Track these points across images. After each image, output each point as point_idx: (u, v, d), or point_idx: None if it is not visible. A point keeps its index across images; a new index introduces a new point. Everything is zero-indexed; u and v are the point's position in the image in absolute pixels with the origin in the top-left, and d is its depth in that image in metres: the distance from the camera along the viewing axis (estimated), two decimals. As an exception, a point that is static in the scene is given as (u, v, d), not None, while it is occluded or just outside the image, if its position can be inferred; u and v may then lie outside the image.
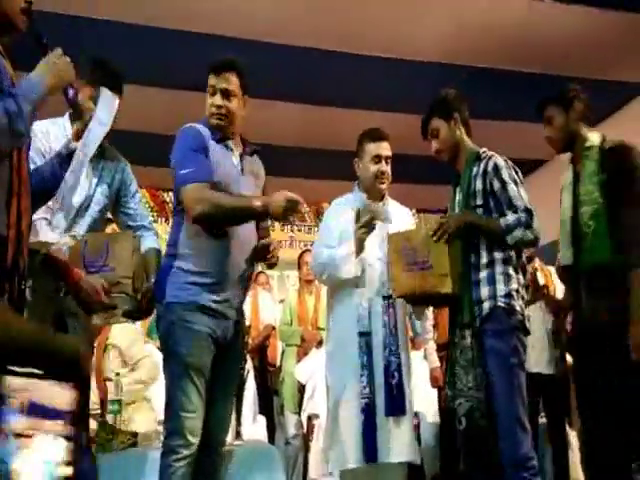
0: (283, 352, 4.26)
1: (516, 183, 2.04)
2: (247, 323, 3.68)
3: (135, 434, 2.19)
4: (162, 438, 1.90)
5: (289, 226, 6.52)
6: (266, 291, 4.82)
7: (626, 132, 4.33)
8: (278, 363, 4.36)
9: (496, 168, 2.06)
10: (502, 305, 1.98)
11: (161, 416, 2.04)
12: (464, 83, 4.09)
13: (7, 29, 1.39)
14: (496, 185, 2.05)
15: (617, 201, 1.99)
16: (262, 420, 3.47)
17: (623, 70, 4.06)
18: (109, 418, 2.13)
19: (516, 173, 2.08)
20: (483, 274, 2.02)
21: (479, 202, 2.07)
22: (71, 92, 1.53)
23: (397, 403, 2.26)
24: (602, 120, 4.62)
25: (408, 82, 4.06)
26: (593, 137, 2.12)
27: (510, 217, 2.00)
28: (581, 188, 2.08)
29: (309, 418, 3.61)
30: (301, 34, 3.61)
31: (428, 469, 3.22)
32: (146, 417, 2.33)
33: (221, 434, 1.97)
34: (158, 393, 2.38)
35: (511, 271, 2.03)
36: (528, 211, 2.00)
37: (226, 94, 1.98)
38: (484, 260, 2.03)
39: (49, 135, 1.95)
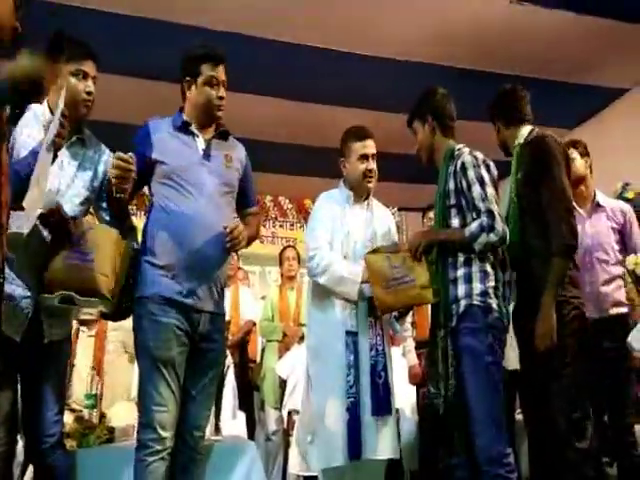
0: (264, 348, 4.26)
1: (482, 183, 2.02)
2: (227, 319, 3.68)
3: (112, 429, 2.17)
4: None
5: (271, 222, 6.51)
6: (247, 287, 4.81)
7: (604, 136, 4.45)
8: (258, 359, 4.36)
9: (463, 167, 2.06)
10: (477, 303, 1.98)
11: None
12: (448, 84, 4.12)
13: None
14: (464, 184, 2.05)
15: (532, 196, 2.12)
16: (242, 416, 3.46)
17: (602, 74, 4.12)
18: (85, 413, 2.11)
19: (487, 169, 2.06)
20: (460, 272, 2.03)
21: (452, 202, 2.08)
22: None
23: (383, 403, 2.27)
24: (581, 123, 4.71)
25: (393, 81, 4.07)
26: (520, 135, 2.26)
27: (473, 225, 2.00)
28: (508, 188, 2.26)
29: (289, 414, 3.61)
30: (287, 30, 3.60)
31: (407, 464, 3.24)
32: (125, 412, 2.31)
33: (198, 429, 1.96)
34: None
35: (488, 268, 2.03)
36: (489, 213, 1.98)
37: (225, 86, 2.02)
38: (461, 258, 2.04)
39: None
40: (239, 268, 4.88)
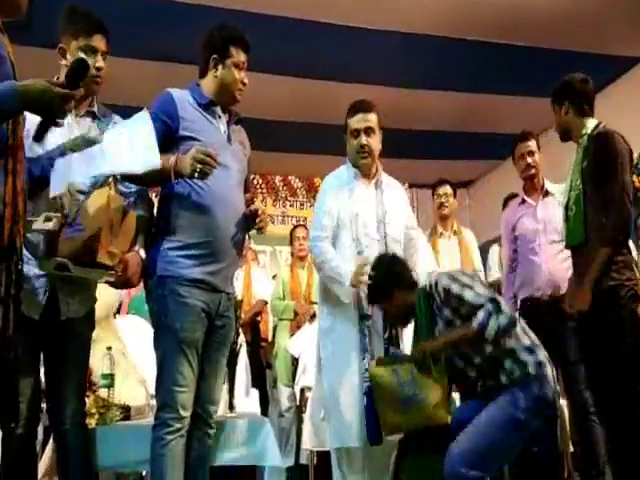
0: (275, 327, 4.29)
1: (469, 287, 2.01)
2: (239, 298, 3.70)
3: (128, 408, 2.21)
4: (154, 411, 1.92)
5: (281, 202, 6.50)
6: (259, 266, 4.83)
7: (618, 106, 4.35)
8: (270, 338, 4.40)
9: (446, 291, 2.03)
10: (534, 373, 1.95)
11: (152, 391, 2.06)
12: (459, 56, 4.06)
13: (11, 10, 1.41)
14: (455, 303, 2.01)
15: (595, 187, 2.21)
16: (255, 393, 3.51)
17: (616, 43, 4.03)
18: (102, 392, 2.15)
19: (462, 276, 2.07)
20: (507, 364, 1.99)
21: (458, 323, 2.03)
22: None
23: None
24: (596, 92, 4.61)
25: (401, 55, 4.01)
26: (589, 124, 2.33)
27: (478, 315, 1.95)
28: (572, 174, 2.34)
29: (302, 391, 3.65)
30: (294, 5, 3.54)
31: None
32: (137, 391, 2.35)
33: (212, 403, 1.99)
34: (147, 369, 2.39)
35: (527, 342, 2.01)
36: (491, 300, 1.98)
37: (245, 70, 2.02)
38: (477, 360, 2.01)
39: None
40: (249, 248, 4.90)
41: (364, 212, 2.40)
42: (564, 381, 2.72)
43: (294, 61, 4.08)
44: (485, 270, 3.62)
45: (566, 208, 2.36)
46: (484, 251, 3.77)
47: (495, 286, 3.44)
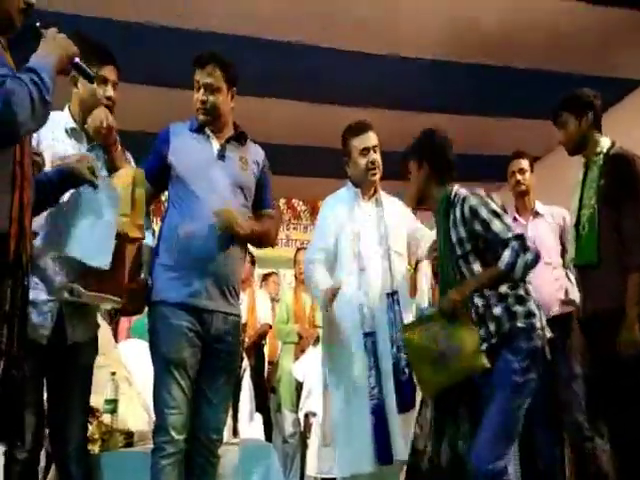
0: (280, 350, 4.26)
1: (498, 216, 1.99)
2: (243, 321, 3.68)
3: (131, 433, 2.18)
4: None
5: (285, 225, 6.52)
6: (271, 292, 4.84)
7: (620, 128, 4.37)
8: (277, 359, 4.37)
9: (472, 210, 2.00)
10: (522, 325, 1.94)
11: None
12: (461, 80, 4.11)
13: (6, 27, 1.41)
14: (478, 227, 1.99)
15: (611, 207, 2.14)
16: (259, 418, 3.47)
17: (617, 66, 4.07)
18: (105, 418, 2.13)
19: (492, 200, 2.04)
20: (497, 309, 1.97)
21: (468, 248, 2.01)
22: (77, 60, 1.53)
23: (407, 399, 2.25)
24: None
25: (403, 79, 4.06)
26: (604, 142, 2.27)
27: (505, 255, 1.93)
28: (585, 192, 2.26)
29: (306, 416, 3.61)
30: (300, 32, 3.60)
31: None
32: (140, 416, 2.33)
33: (215, 431, 1.95)
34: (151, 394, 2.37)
35: (522, 293, 1.99)
36: (518, 237, 1.96)
37: (210, 89, 2.00)
38: (492, 295, 1.98)
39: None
40: (273, 272, 4.93)
41: (365, 228, 2.42)
42: (557, 405, 2.68)
43: (298, 85, 4.13)
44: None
45: (577, 226, 2.29)
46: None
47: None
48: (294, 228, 6.53)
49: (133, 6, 3.25)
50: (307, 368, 3.65)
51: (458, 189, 2.12)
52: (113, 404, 2.16)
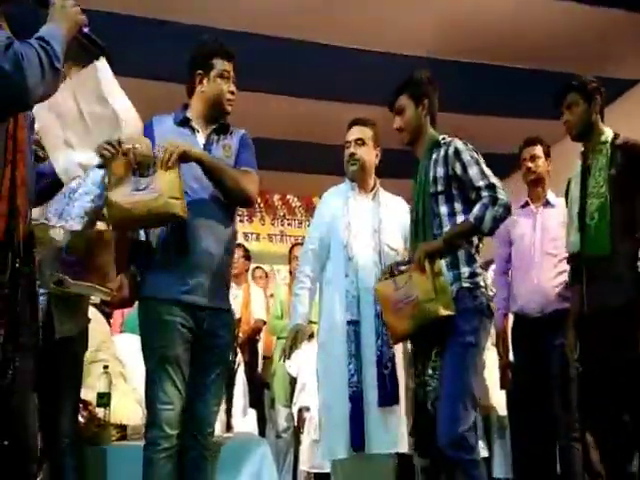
0: (275, 346, 4.27)
1: (477, 163, 2.00)
2: (237, 316, 3.67)
3: (124, 427, 2.18)
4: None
5: (279, 220, 6.52)
6: (258, 286, 4.83)
7: (617, 127, 4.38)
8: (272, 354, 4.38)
9: (457, 151, 2.02)
10: (467, 285, 1.96)
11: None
12: (458, 78, 4.11)
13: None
14: (458, 169, 2.00)
15: (623, 197, 2.09)
16: (253, 413, 3.48)
17: (614, 66, 4.08)
18: (98, 411, 2.13)
19: (476, 154, 2.04)
20: (444, 260, 1.99)
21: (440, 188, 2.02)
22: (86, 30, 1.50)
23: (390, 394, 2.26)
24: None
25: (402, 76, 4.06)
26: (608, 132, 2.22)
27: (475, 208, 1.94)
28: (591, 181, 2.19)
29: (300, 411, 3.62)
30: (289, 27, 3.60)
31: (416, 460, 3.24)
32: (133, 410, 2.33)
33: (208, 425, 1.95)
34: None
35: (473, 251, 2.02)
36: (490, 186, 1.94)
37: (235, 84, 2.03)
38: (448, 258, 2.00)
39: None
40: (257, 267, 4.93)
41: (357, 219, 2.43)
42: (548, 403, 2.65)
43: (294, 81, 4.13)
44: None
45: (581, 216, 2.21)
46: (484, 270, 3.77)
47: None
48: (289, 224, 6.53)
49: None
50: (301, 363, 3.65)
51: (447, 136, 2.12)
52: (106, 398, 2.16)
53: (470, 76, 4.01)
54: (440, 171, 2.03)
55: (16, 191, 1.28)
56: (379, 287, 2.12)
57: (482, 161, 2.02)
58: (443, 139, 2.10)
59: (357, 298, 2.32)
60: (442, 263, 1.98)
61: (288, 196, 6.53)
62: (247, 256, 4.61)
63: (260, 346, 4.52)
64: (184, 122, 2.02)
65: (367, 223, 2.43)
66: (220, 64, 2.00)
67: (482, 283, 1.98)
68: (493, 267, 3.73)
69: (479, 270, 2.00)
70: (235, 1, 3.34)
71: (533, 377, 2.66)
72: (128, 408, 2.29)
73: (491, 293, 2.01)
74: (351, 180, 2.53)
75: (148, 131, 1.98)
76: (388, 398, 2.25)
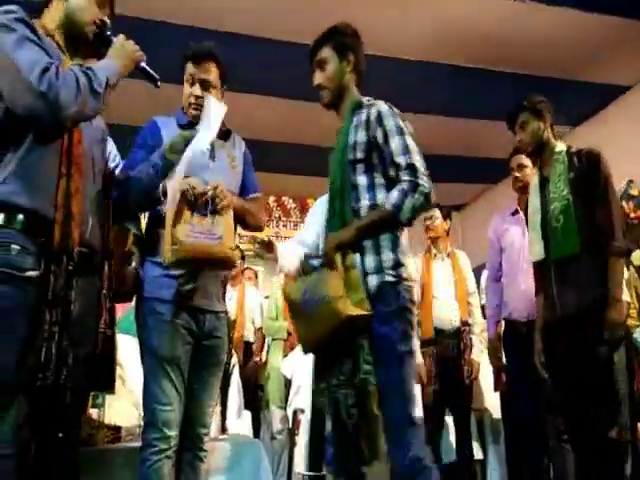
0: (269, 347, 4.27)
1: (401, 133, 1.73)
2: (232, 318, 3.67)
3: (118, 428, 2.18)
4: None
5: (274, 222, 6.52)
6: (253, 286, 4.83)
7: (607, 133, 4.43)
8: (264, 358, 4.37)
9: (379, 116, 1.75)
10: (390, 279, 1.67)
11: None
12: (449, 82, 4.14)
13: (79, 41, 1.55)
14: (379, 136, 1.74)
15: (583, 200, 2.13)
16: (247, 415, 3.48)
17: (604, 72, 4.12)
18: (92, 412, 2.12)
19: (402, 122, 1.78)
20: (366, 241, 1.72)
21: (359, 156, 1.75)
22: (143, 65, 1.63)
23: None
24: (583, 121, 4.70)
25: (394, 80, 4.07)
26: (561, 145, 2.30)
27: (392, 194, 1.68)
28: (551, 187, 2.23)
29: (295, 413, 3.62)
30: (285, 30, 3.61)
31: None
32: (128, 411, 2.32)
33: (202, 426, 1.95)
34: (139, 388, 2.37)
35: (398, 233, 1.75)
36: (411, 168, 1.68)
37: (206, 85, 1.98)
38: (369, 242, 1.72)
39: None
40: (247, 268, 4.92)
41: None
42: (543, 404, 2.65)
43: (289, 83, 4.14)
44: (478, 292, 3.64)
45: (544, 223, 2.23)
46: (476, 274, 3.79)
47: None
48: (284, 225, 6.54)
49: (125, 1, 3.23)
50: (296, 365, 3.66)
51: (373, 99, 1.85)
52: (100, 399, 2.15)
53: (464, 80, 4.04)
54: (361, 136, 1.76)
55: (71, 200, 1.40)
56: (286, 289, 1.81)
57: (408, 131, 1.76)
58: (368, 100, 1.86)
59: None
60: (356, 257, 1.68)
61: (283, 198, 6.54)
62: (242, 257, 4.62)
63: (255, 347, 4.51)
64: (188, 126, 2.00)
65: None
66: (188, 68, 1.99)
67: (405, 274, 1.70)
68: (485, 272, 3.77)
69: (403, 258, 1.71)
70: (228, 3, 3.34)
71: (525, 380, 2.67)
72: (123, 409, 2.29)
73: (411, 283, 1.73)
74: None
75: (155, 132, 1.97)
76: None
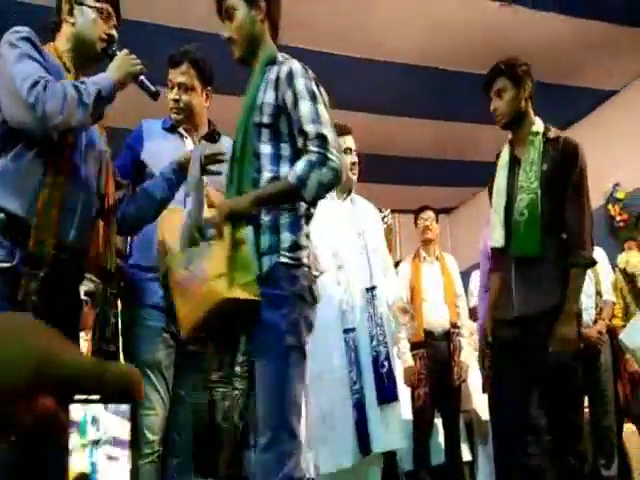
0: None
1: (313, 97, 1.52)
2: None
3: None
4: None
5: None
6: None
7: (594, 137, 4.48)
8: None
9: (290, 76, 1.53)
10: (285, 261, 1.47)
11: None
12: (437, 86, 4.17)
13: (87, 56, 1.59)
14: (288, 99, 1.52)
15: (553, 194, 1.97)
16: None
17: (591, 76, 4.17)
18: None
19: (317, 86, 1.57)
20: (265, 218, 1.50)
21: (266, 120, 1.53)
22: (142, 78, 1.61)
23: (388, 391, 2.28)
24: (570, 125, 4.75)
25: (384, 83, 4.10)
26: (539, 122, 2.08)
27: (298, 165, 1.46)
28: (521, 174, 2.03)
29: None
30: (281, 33, 3.61)
31: (402, 465, 3.25)
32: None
33: (186, 430, 1.94)
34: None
35: (300, 216, 1.54)
36: (321, 138, 1.47)
37: (183, 88, 1.98)
38: (268, 219, 1.51)
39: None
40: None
41: (342, 226, 2.45)
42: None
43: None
44: (467, 295, 3.66)
45: (507, 210, 2.05)
46: (465, 277, 3.82)
47: (476, 311, 3.47)
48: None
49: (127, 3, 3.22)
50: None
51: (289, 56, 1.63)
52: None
53: (454, 85, 4.06)
54: (269, 97, 1.54)
55: (51, 209, 1.41)
56: (168, 261, 1.54)
57: (322, 100, 1.54)
58: (283, 57, 1.65)
59: (351, 306, 2.33)
60: (249, 230, 1.48)
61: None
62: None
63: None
64: (172, 128, 2.03)
65: (351, 227, 2.46)
66: (170, 73, 2.01)
67: (306, 260, 1.50)
68: (474, 275, 3.79)
69: (304, 241, 1.51)
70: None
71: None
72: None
73: (317, 273, 1.54)
74: (340, 187, 2.54)
75: (137, 134, 2.00)
76: (387, 395, 2.26)
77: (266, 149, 1.53)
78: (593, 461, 3.06)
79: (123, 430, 2.20)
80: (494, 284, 2.15)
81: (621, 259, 3.42)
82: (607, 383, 3.10)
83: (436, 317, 3.27)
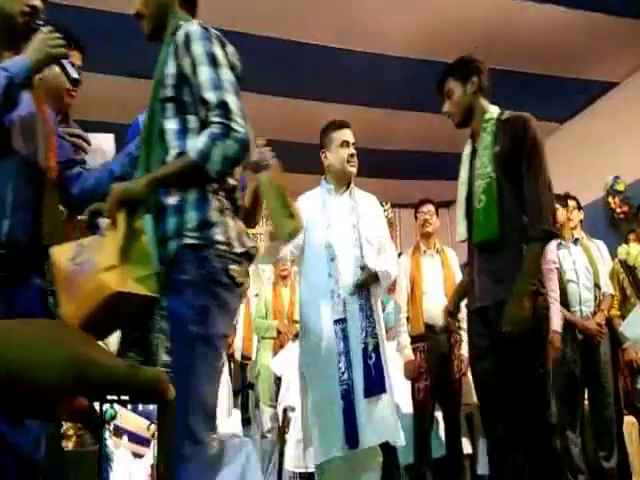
0: (258, 346, 4.26)
1: (212, 61, 1.36)
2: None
3: (107, 429, 2.17)
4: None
5: (264, 220, 6.50)
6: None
7: (594, 129, 4.46)
8: (253, 357, 4.37)
9: (187, 40, 1.37)
10: (192, 242, 1.34)
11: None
12: (432, 78, 4.14)
13: (8, 29, 1.48)
14: (187, 66, 1.38)
15: (509, 176, 1.91)
16: (237, 414, 3.47)
17: (591, 68, 4.15)
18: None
19: (223, 47, 1.42)
20: (170, 200, 1.38)
21: (169, 93, 1.40)
22: (65, 63, 1.50)
23: (376, 383, 2.28)
24: (571, 117, 4.74)
25: (384, 77, 4.08)
26: (493, 109, 2.05)
27: (199, 139, 1.33)
28: (477, 162, 2.01)
29: (285, 411, 3.62)
30: (276, 26, 3.60)
31: (402, 458, 3.26)
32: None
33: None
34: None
35: (209, 195, 1.38)
36: (223, 106, 1.33)
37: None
38: (172, 201, 1.38)
39: None
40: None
41: (337, 218, 2.46)
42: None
43: (278, 81, 4.12)
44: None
45: (468, 200, 2.03)
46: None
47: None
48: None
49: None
50: (286, 363, 3.65)
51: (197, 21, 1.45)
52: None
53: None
54: (170, 68, 1.40)
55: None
56: (54, 251, 1.34)
57: (225, 60, 1.39)
58: (187, 21, 1.46)
59: (342, 297, 2.34)
60: (147, 218, 1.36)
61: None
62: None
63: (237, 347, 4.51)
64: None
65: (346, 219, 2.47)
66: None
67: (220, 237, 1.34)
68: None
69: (216, 217, 1.35)
70: (222, 3, 3.32)
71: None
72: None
73: (238, 251, 1.36)
74: (332, 180, 2.54)
75: (133, 129, 1.98)
76: (374, 387, 2.27)
77: (171, 124, 1.39)
78: (593, 453, 3.07)
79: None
80: (465, 276, 2.20)
81: (621, 250, 3.42)
82: (606, 375, 3.10)
83: (437, 310, 3.26)
